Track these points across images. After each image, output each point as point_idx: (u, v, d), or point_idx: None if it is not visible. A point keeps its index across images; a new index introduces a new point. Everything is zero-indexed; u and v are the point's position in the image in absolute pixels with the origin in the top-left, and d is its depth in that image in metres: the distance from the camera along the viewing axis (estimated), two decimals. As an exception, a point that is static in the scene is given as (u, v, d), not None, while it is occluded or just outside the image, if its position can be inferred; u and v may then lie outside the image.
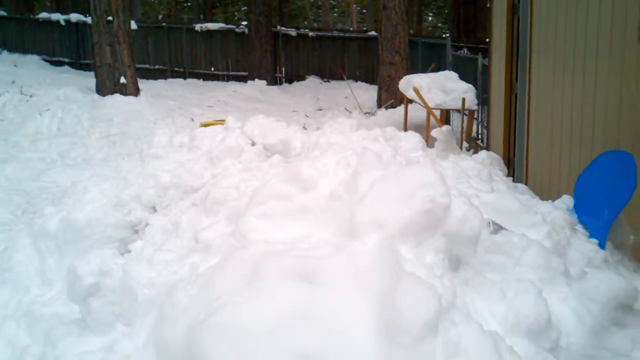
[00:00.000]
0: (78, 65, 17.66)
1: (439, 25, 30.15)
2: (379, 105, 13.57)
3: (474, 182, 3.73)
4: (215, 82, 17.53)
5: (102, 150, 10.92)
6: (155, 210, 5.40)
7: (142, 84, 14.42)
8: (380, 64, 13.44)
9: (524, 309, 2.35)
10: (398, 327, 2.11)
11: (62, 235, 5.20)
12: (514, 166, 7.99)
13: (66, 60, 17.81)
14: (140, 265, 3.14)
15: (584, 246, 3.11)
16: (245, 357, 2.08)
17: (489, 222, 2.92)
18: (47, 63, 17.47)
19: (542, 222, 3.15)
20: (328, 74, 17.77)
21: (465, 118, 10.52)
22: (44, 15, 18.38)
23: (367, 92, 15.24)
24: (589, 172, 4.21)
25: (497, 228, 2.93)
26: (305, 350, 2.11)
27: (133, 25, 14.30)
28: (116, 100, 12.58)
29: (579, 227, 3.72)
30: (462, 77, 11.42)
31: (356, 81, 16.96)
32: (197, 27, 18.25)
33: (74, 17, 17.94)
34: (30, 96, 12.69)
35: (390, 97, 13.18)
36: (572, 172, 5.59)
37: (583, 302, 2.54)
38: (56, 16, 18.10)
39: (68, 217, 5.24)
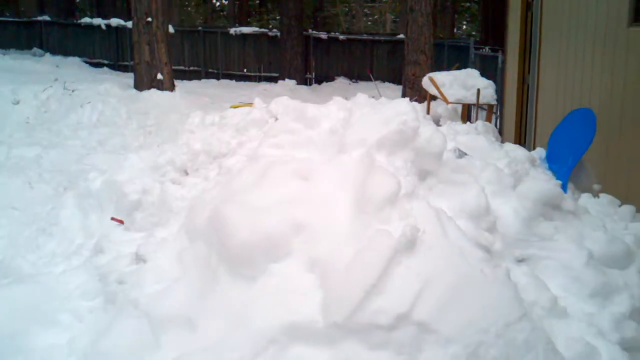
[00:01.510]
0: (117, 66, 18.89)
1: (473, 33, 30.81)
2: (404, 103, 14.34)
3: (460, 137, 4.49)
4: (247, 83, 18.61)
5: (138, 139, 11.87)
6: (187, 173, 6.24)
7: (178, 83, 15.46)
8: (406, 63, 14.27)
9: (467, 199, 3.15)
10: (366, 201, 2.92)
11: (104, 195, 6.05)
12: (524, 151, 8.72)
13: (105, 62, 19.07)
14: (175, 185, 4.01)
15: (539, 176, 3.87)
16: (253, 221, 2.92)
17: (456, 150, 3.72)
18: (87, 65, 18.73)
19: (504, 156, 3.94)
20: (357, 76, 18.75)
21: (483, 113, 11.26)
22: (86, 20, 19.75)
23: (394, 92, 16.07)
24: (560, 127, 4.99)
25: (462, 154, 3.72)
26: (297, 218, 2.93)
27: (170, 29, 15.39)
28: (153, 94, 13.60)
29: (546, 170, 4.48)
30: (484, 75, 12.13)
31: (384, 82, 17.85)
32: (232, 30, 19.38)
33: (114, 21, 19.20)
34: (73, 91, 13.75)
35: (415, 95, 13.96)
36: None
37: (520, 200, 3.32)
38: (97, 21, 19.43)
39: (109, 179, 6.08)
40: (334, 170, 3.19)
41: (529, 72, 9.15)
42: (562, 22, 7.52)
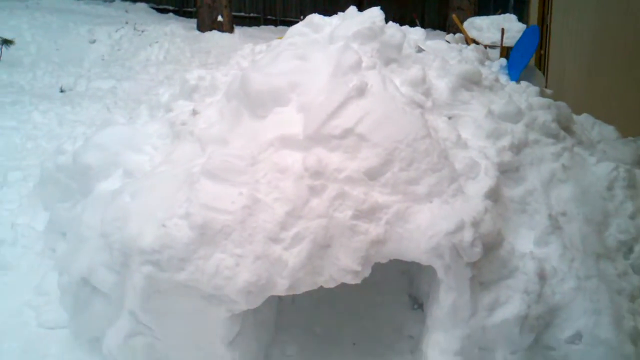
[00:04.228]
0: (181, 12, 20.96)
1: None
2: (447, 47, 15.92)
3: (428, 42, 6.27)
4: (303, 29, 20.41)
5: (200, 75, 13.87)
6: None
7: (237, 29, 17.44)
8: (450, 9, 15.81)
9: (411, 73, 4.94)
10: (340, 68, 4.75)
11: (170, 105, 7.98)
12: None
13: (171, 8, 21.15)
14: (219, 72, 5.94)
15: (486, 72, 5.60)
16: (267, 80, 4.79)
17: (417, 46, 5.49)
18: (154, 10, 20.85)
19: (457, 55, 5.68)
20: (408, 22, 20.24)
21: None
22: (153, -35, 21.81)
23: (442, 38, 17.61)
24: (518, 42, 6.68)
25: (421, 50, 5.49)
26: (294, 80, 4.80)
27: (232, -27, 17.33)
28: (214, 35, 15.66)
29: (502, 77, 6.19)
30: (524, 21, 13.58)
31: (435, 29, 19.37)
32: (291, -23, 21.21)
33: (180, -34, 21.20)
34: (142, 31, 15.92)
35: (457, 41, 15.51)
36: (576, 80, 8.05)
37: (450, 77, 5.09)
38: (164, -34, 21.45)
39: (174, 93, 8.03)
40: (323, 53, 5.04)
41: (549, 13, 10.67)
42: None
